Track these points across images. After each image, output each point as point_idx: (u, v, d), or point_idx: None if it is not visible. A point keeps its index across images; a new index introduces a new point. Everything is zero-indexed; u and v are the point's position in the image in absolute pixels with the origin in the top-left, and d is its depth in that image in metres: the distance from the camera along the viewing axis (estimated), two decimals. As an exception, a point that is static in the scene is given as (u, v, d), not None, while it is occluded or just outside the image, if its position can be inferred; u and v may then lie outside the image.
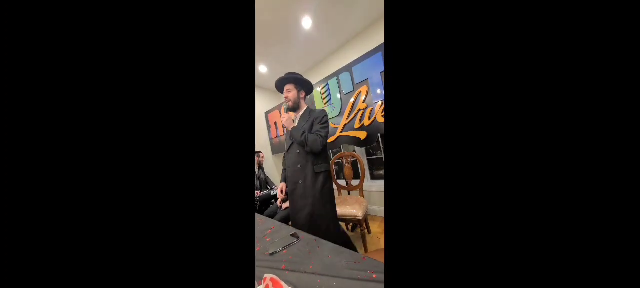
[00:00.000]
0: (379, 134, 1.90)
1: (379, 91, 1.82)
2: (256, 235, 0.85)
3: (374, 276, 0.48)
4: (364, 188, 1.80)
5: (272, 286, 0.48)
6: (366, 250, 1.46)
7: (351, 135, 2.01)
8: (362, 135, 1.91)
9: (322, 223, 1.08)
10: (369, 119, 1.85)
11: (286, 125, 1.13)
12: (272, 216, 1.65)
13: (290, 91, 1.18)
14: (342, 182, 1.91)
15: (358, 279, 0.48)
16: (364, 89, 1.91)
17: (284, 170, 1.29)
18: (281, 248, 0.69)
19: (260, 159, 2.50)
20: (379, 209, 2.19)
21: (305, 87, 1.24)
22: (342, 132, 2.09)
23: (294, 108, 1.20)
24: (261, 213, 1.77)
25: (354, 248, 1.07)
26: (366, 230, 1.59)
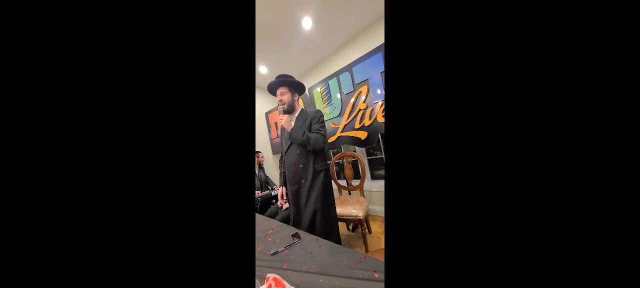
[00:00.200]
0: (380, 134, 1.91)
1: (379, 91, 1.82)
2: (258, 235, 0.85)
3: (376, 275, 0.48)
4: (364, 188, 1.80)
5: (275, 285, 0.48)
6: (367, 250, 1.47)
7: (351, 135, 2.01)
8: (363, 135, 1.91)
9: (327, 219, 1.11)
10: (370, 119, 1.86)
11: (285, 127, 1.15)
12: (273, 216, 1.65)
13: (284, 94, 1.19)
14: (343, 182, 1.91)
15: (360, 278, 0.48)
16: (364, 89, 1.91)
17: (282, 173, 1.29)
18: (283, 248, 0.69)
19: (260, 159, 2.50)
20: (380, 209, 2.19)
21: (298, 88, 1.26)
22: (342, 132, 2.09)
23: (289, 110, 1.21)
24: (262, 213, 1.77)
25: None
26: (367, 230, 1.59)
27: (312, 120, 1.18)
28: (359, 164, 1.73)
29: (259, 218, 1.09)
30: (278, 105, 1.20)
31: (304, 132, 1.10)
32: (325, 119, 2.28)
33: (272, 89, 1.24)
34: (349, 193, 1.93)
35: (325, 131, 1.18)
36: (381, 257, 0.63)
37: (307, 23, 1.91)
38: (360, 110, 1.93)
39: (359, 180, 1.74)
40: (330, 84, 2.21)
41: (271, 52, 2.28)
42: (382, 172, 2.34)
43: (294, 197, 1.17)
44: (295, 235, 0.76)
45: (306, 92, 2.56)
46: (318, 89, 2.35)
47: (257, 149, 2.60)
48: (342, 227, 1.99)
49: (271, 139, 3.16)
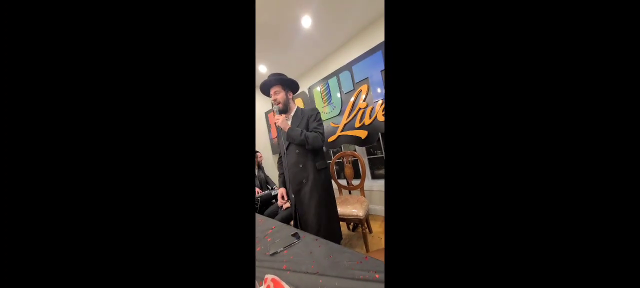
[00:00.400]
0: (380, 133, 1.90)
1: (379, 90, 1.81)
2: (257, 236, 0.84)
3: (377, 276, 0.47)
4: (364, 188, 1.79)
5: (273, 287, 0.47)
6: (367, 250, 1.46)
7: (351, 134, 2.00)
8: (363, 134, 1.91)
9: (331, 218, 1.12)
10: (370, 117, 1.85)
11: (282, 127, 1.11)
12: (272, 216, 1.64)
13: (278, 93, 1.16)
14: (343, 182, 1.90)
15: (361, 279, 0.47)
16: (364, 87, 1.90)
17: (281, 174, 1.27)
18: (282, 249, 0.68)
19: (259, 159, 2.49)
20: (380, 208, 2.18)
21: (291, 87, 1.22)
22: (342, 131, 2.09)
23: (284, 110, 1.18)
24: (262, 213, 1.76)
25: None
26: (367, 230, 1.58)
27: (309, 119, 1.15)
28: (359, 163, 1.72)
29: (258, 218, 1.08)
30: (273, 105, 1.17)
31: (302, 131, 1.08)
32: (325, 118, 2.28)
33: (264, 89, 1.21)
34: (350, 193, 1.92)
35: (324, 129, 1.16)
36: (382, 257, 0.62)
37: (306, 22, 1.90)
38: (360, 109, 1.92)
39: (359, 180, 1.74)
40: (330, 83, 2.21)
41: (271, 51, 2.27)
42: (383, 171, 2.33)
43: (297, 198, 1.15)
44: (295, 235, 0.75)
45: (306, 91, 2.56)
46: (318, 88, 2.34)
47: (257, 149, 2.60)
48: (342, 226, 1.98)
49: (271, 139, 3.15)
